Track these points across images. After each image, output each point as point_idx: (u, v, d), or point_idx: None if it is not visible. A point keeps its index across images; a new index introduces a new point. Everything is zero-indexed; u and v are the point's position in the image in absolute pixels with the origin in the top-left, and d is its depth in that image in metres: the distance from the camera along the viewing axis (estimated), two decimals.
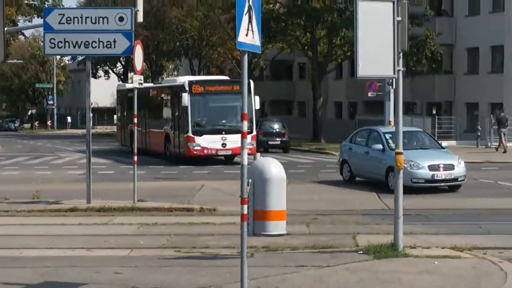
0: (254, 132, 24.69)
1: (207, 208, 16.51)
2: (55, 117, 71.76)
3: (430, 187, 16.78)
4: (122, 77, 57.86)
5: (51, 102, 69.29)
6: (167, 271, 9.28)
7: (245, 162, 7.30)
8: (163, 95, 28.62)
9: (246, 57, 7.46)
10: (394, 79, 10.16)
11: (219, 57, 47.06)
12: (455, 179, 17.00)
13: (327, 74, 41.93)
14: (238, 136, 21.99)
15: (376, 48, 9.63)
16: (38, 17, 40.02)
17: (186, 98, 22.73)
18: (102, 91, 64.51)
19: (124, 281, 8.59)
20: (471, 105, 40.29)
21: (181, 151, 24.99)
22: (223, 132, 23.99)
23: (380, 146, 17.75)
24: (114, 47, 14.74)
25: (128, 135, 31.21)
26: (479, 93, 39.21)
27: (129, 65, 41.78)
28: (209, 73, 50.64)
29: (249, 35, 7.19)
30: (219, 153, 24.39)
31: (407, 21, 9.74)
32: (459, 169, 17.12)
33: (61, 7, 19.81)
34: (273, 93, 52.97)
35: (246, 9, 7.12)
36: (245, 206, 7.39)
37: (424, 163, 16.65)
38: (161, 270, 9.33)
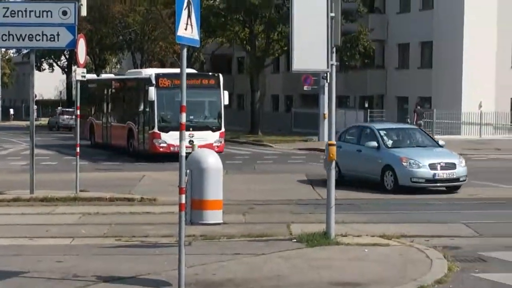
0: (223, 129, 24.26)
1: (147, 198, 16.92)
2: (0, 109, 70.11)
3: (431, 187, 16.52)
4: (66, 70, 58.86)
5: None
6: (107, 259, 9.30)
7: (183, 153, 7.53)
8: (126, 87, 27.42)
9: (185, 50, 7.61)
10: (328, 73, 10.41)
11: (161, 51, 48.05)
12: (457, 179, 16.42)
13: (265, 68, 42.95)
14: (207, 132, 21.66)
15: (311, 43, 9.86)
16: None
17: (152, 92, 21.83)
18: (47, 83, 64.58)
19: (65, 269, 8.63)
20: (401, 99, 42.40)
21: (145, 148, 24.02)
22: (191, 129, 21.85)
23: (375, 144, 17.09)
24: (58, 40, 15.03)
25: (87, 128, 30.31)
26: (409, 87, 41.10)
27: (73, 58, 41.56)
28: (150, 67, 51.11)
29: (188, 29, 7.37)
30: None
31: (340, 17, 10.00)
32: (461, 168, 16.52)
33: (6, 1, 19.41)
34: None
35: (185, 4, 7.32)
36: (183, 196, 7.65)
37: (424, 162, 16.13)
38: (102, 258, 9.40)
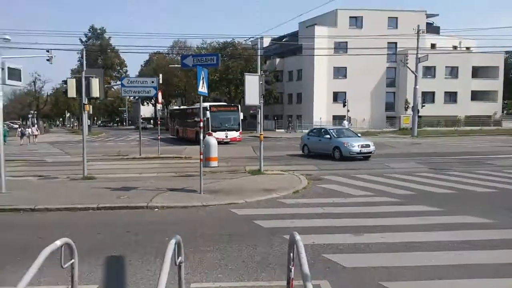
0: (240, 130, 29.51)
1: (187, 156, 19.78)
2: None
3: (358, 157, 17.80)
4: (153, 104, 75.15)
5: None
6: (171, 181, 11.89)
7: (201, 137, 10.44)
8: (195, 111, 30.95)
9: (202, 97, 10.27)
10: (260, 106, 13.16)
11: (196, 97, 59.16)
12: (371, 152, 18.03)
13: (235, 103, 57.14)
14: (233, 132, 29.52)
15: (252, 93, 12.42)
16: (119, 80, 46.44)
17: (208, 113, 27.13)
18: (145, 110, 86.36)
19: (153, 186, 11.52)
20: (289, 115, 54.03)
21: None
22: (226, 130, 28.37)
23: (328, 136, 18.86)
24: (150, 93, 18.69)
25: (175, 130, 37.92)
26: (292, 111, 54.42)
27: (156, 100, 47.32)
28: (191, 105, 66.58)
29: (202, 88, 9.88)
30: (224, 140, 27.30)
31: (264, 83, 12.71)
32: (372, 147, 18.09)
33: (129, 77, 24.25)
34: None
35: (201, 77, 9.80)
36: (201, 156, 10.35)
37: (355, 144, 17.75)
38: (168, 181, 11.86)
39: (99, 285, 4.95)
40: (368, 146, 18.07)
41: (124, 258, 5.88)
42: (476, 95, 52.97)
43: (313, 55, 47.36)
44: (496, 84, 54.30)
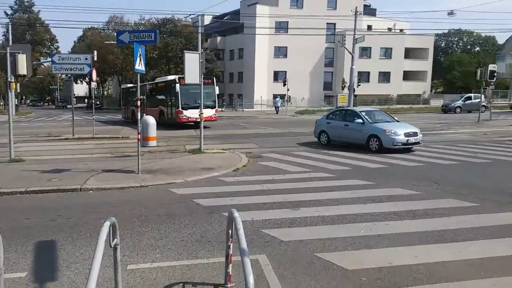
0: (217, 107, 25.48)
1: (124, 136, 19.44)
2: None
3: (404, 149, 13.80)
4: (88, 83, 71.41)
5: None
6: (107, 162, 11.60)
7: (139, 117, 10.04)
8: (158, 86, 27.49)
9: (139, 75, 9.95)
10: (201, 84, 13.06)
11: (133, 75, 57.01)
12: (418, 142, 14.07)
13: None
14: (209, 110, 22.76)
15: (193, 71, 12.19)
16: (49, 56, 43.72)
17: (178, 87, 22.58)
18: (79, 89, 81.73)
19: (87, 167, 11.11)
20: (230, 95, 54.18)
21: (172, 120, 24.04)
22: (199, 108, 23.09)
23: (361, 121, 14.45)
24: (84, 70, 17.62)
25: (130, 112, 30.87)
26: (233, 90, 54.16)
27: (90, 78, 44.89)
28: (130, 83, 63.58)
29: (140, 65, 9.52)
30: (197, 120, 22.65)
31: (204, 61, 12.56)
32: (420, 135, 14.13)
33: (60, 53, 21.79)
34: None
35: (138, 54, 9.48)
36: (139, 135, 10.01)
37: (400, 131, 13.73)
38: (105, 162, 11.53)
39: (28, 272, 4.73)
40: (415, 134, 14.04)
41: (55, 243, 5.64)
42: (407, 75, 55.89)
43: (255, 34, 47.30)
44: (426, 65, 57.62)
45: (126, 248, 5.29)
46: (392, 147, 13.63)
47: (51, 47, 71.98)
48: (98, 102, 58.89)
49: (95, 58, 22.63)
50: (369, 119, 14.62)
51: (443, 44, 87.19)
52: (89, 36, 68.81)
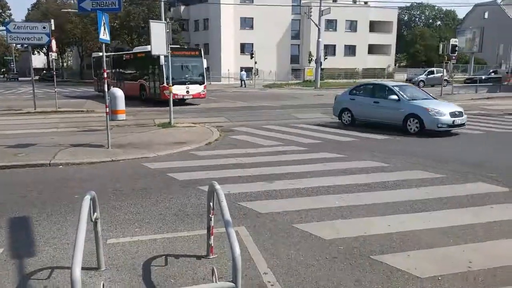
0: (206, 83, 22.55)
1: (90, 110, 19.08)
2: None
3: (449, 131, 12.34)
4: (45, 53, 67.42)
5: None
6: (75, 136, 11.31)
7: (106, 89, 9.73)
8: (137, 58, 24.01)
9: (104, 45, 9.71)
10: (167, 55, 13.02)
11: (94, 46, 55.89)
12: (464, 124, 12.45)
13: None
14: (196, 86, 21.24)
15: (159, 42, 12.00)
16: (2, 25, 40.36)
17: (162, 58, 18.10)
18: (37, 61, 75.08)
19: (54, 142, 10.78)
20: None
21: (157, 96, 21.48)
22: (187, 83, 21.02)
23: (395, 97, 12.67)
24: (42, 40, 16.98)
25: (103, 85, 28.20)
26: None
27: (48, 48, 42.56)
28: (88, 55, 61.95)
29: (104, 34, 9.31)
30: (185, 97, 21.15)
31: (170, 31, 12.76)
32: (465, 115, 12.56)
33: (15, 21, 19.86)
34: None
35: (102, 22, 9.25)
36: (107, 108, 9.83)
37: (446, 111, 12.10)
38: (72, 136, 11.26)
39: (4, 249, 4.64)
40: (461, 114, 12.42)
41: (30, 218, 5.53)
42: (372, 49, 56.70)
43: (219, 3, 46.33)
44: (390, 39, 58.53)
45: (104, 223, 5.22)
46: (436, 129, 12.01)
47: (3, 14, 68.21)
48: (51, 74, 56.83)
49: (53, 27, 21.60)
50: (405, 96, 12.80)
51: (406, 18, 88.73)
52: (44, 3, 65.33)
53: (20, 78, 68.81)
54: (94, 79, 31.00)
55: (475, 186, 7.01)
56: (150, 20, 12.33)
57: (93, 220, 3.80)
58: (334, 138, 11.73)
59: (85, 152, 9.41)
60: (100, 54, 27.72)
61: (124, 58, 25.92)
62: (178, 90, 20.04)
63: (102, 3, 9.77)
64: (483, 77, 34.95)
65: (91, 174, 7.83)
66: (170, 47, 18.31)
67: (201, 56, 22.28)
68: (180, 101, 21.27)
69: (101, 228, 4.08)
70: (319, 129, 13.28)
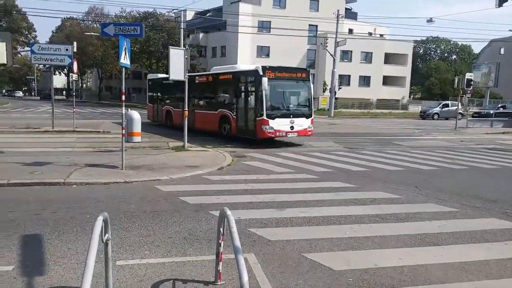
0: (313, 116, 16.85)
1: (106, 131, 19.12)
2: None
3: None
4: (66, 74, 70.08)
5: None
6: (90, 157, 11.51)
7: (123, 111, 9.95)
8: (219, 80, 18.13)
9: (124, 69, 9.80)
10: (185, 82, 13.07)
11: (113, 68, 60.88)
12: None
13: None
14: (303, 119, 15.76)
15: (177, 67, 12.20)
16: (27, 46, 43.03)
17: (265, 82, 14.07)
18: (58, 80, 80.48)
19: (70, 161, 10.95)
20: None
21: (249, 132, 15.72)
22: (291, 116, 15.55)
23: None
24: (64, 61, 17.46)
25: (162, 113, 22.85)
26: None
27: (70, 69, 44.36)
28: (108, 77, 72.84)
29: (125, 58, 9.43)
30: (288, 135, 15.66)
31: (189, 57, 12.65)
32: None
33: (39, 43, 20.45)
34: (133, 85, 67.53)
35: (123, 48, 9.36)
36: (123, 130, 10.06)
37: None
38: (88, 156, 11.50)
39: (15, 266, 4.67)
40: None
41: (41, 236, 5.57)
42: (387, 80, 56.95)
43: (237, 32, 47.33)
44: (405, 71, 58.82)
45: (114, 244, 5.22)
46: None
47: (29, 36, 70.31)
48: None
49: (75, 50, 22.23)
50: None
51: (421, 51, 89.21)
52: (68, 26, 67.53)
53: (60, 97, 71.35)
54: (148, 106, 25.19)
55: (489, 221, 6.87)
56: (170, 46, 12.57)
57: (104, 241, 3.80)
58: (346, 167, 11.61)
59: (99, 172, 9.50)
60: (159, 76, 24.17)
61: (196, 81, 19.62)
62: (281, 125, 15.28)
63: (125, 29, 10.15)
64: (492, 111, 34.75)
65: (104, 195, 7.87)
66: (270, 67, 15.32)
67: (309, 80, 16.85)
68: (270, 139, 16.10)
69: (111, 249, 4.10)
70: (331, 157, 13.17)
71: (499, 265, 5.02)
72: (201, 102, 19.42)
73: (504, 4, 19.88)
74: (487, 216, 7.20)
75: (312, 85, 17.16)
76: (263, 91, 14.63)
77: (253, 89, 15.62)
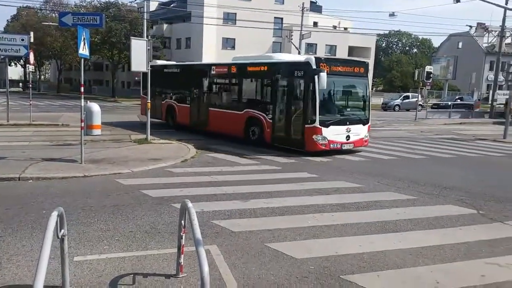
0: (370, 122, 13.50)
1: (65, 124, 18.49)
2: None
3: None
4: (22, 65, 64.45)
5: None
6: (47, 150, 11.04)
7: (82, 104, 9.68)
8: (248, 72, 14.16)
9: (83, 60, 9.63)
10: (147, 73, 12.85)
11: (73, 60, 55.99)
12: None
13: (118, 69, 54.44)
14: (360, 126, 12.46)
15: (140, 59, 12.02)
16: None
17: (323, 79, 11.09)
18: (12, 72, 73.52)
19: (26, 156, 10.34)
20: None
21: (292, 141, 12.41)
22: (348, 123, 12.41)
23: None
24: (20, 52, 16.64)
25: (160, 109, 18.34)
26: None
27: (26, 60, 42.19)
28: (69, 69, 69.89)
29: (84, 49, 9.23)
30: (343, 147, 12.41)
31: (151, 48, 12.43)
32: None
33: None
34: (94, 77, 67.26)
35: (83, 38, 9.17)
36: (82, 123, 9.76)
37: None
38: (44, 150, 10.99)
39: None
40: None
41: None
42: None
43: (202, 23, 46.74)
44: (368, 63, 60.01)
45: (72, 239, 5.10)
46: None
47: None
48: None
49: (32, 40, 21.28)
50: None
51: (383, 44, 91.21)
52: (24, 15, 64.53)
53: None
54: (142, 99, 18.97)
55: (445, 208, 7.16)
56: (132, 37, 12.28)
57: (60, 237, 3.69)
58: (310, 158, 11.71)
59: (57, 167, 9.18)
60: (164, 62, 19.68)
61: (212, 72, 15.72)
62: (335, 134, 12.11)
63: (84, 18, 9.80)
64: (450, 103, 36.22)
65: (61, 190, 7.64)
66: (326, 58, 12.65)
67: (367, 76, 13.42)
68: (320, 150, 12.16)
69: (68, 245, 3.99)
70: (293, 149, 13.26)
71: (453, 249, 5.24)
72: (219, 99, 15.47)
73: (462, 0, 20.92)
74: (444, 203, 7.50)
75: (369, 83, 13.87)
76: (317, 91, 11.43)
77: (301, 86, 12.17)
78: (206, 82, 15.97)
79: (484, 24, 57.60)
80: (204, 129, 16.00)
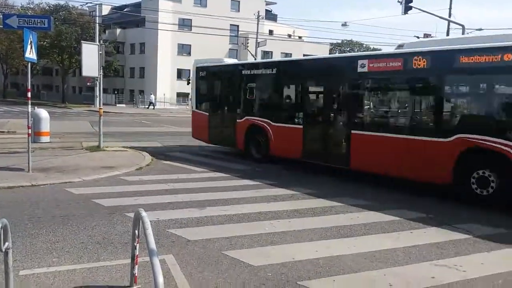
0: None
1: (11, 131, 17.79)
2: None
3: None
4: None
5: None
6: None
7: (29, 109, 9.40)
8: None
9: (30, 64, 9.36)
10: (99, 78, 12.57)
11: (20, 64, 54.26)
12: None
13: (69, 74, 54.19)
14: None
15: (91, 63, 11.71)
16: None
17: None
18: None
19: None
20: (131, 90, 53.14)
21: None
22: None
23: None
24: None
25: (240, 132, 12.40)
26: (133, 85, 52.89)
27: None
28: (16, 74, 66.23)
29: (31, 53, 8.97)
30: None
31: (103, 53, 12.05)
32: None
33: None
34: (43, 81, 66.05)
35: (29, 41, 8.94)
36: (29, 130, 9.54)
37: None
38: None
39: None
40: None
41: None
42: None
43: (157, 29, 46.10)
44: None
45: (18, 252, 4.83)
46: None
47: None
48: None
49: None
50: None
51: (337, 53, 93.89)
52: None
53: None
54: (195, 114, 14.51)
55: (398, 212, 7.36)
56: (83, 41, 11.97)
57: (4, 250, 3.51)
58: (265, 165, 11.74)
59: (2, 176, 8.70)
60: (227, 61, 13.70)
61: (363, 69, 9.54)
62: None
63: (31, 21, 9.51)
64: None
65: (7, 200, 7.22)
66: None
67: None
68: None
69: (13, 258, 3.79)
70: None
71: (405, 252, 5.41)
72: (384, 115, 9.82)
73: (410, 12, 22.17)
74: (397, 208, 7.72)
75: None
76: None
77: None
78: (346, 87, 10.18)
79: (430, 34, 60.75)
80: (340, 165, 10.21)
